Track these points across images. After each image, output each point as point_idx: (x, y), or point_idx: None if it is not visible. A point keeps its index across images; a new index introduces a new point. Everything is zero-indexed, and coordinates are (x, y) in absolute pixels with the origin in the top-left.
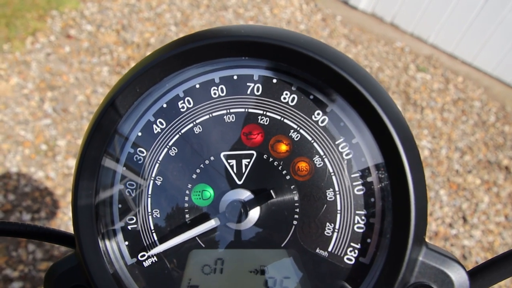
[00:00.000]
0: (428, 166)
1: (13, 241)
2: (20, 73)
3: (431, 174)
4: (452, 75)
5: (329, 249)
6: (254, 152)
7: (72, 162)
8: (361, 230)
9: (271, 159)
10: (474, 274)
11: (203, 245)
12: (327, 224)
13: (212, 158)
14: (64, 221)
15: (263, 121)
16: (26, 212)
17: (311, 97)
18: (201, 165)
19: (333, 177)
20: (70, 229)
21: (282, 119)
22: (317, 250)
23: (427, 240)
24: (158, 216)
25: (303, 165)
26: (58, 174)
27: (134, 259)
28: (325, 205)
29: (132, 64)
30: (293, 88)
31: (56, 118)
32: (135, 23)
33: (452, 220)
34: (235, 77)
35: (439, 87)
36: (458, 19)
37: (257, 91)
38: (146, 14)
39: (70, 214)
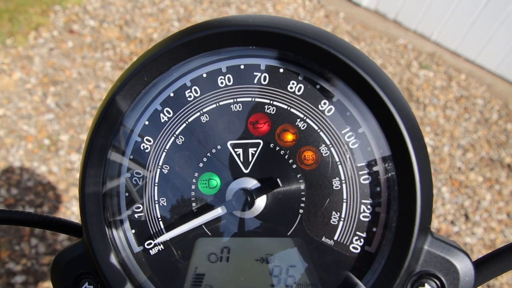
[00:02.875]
0: (430, 163)
1: (16, 235)
2: (23, 68)
3: (433, 171)
4: (455, 73)
5: (335, 238)
6: (261, 141)
7: (75, 157)
8: (367, 219)
9: (277, 148)
10: (479, 264)
11: (210, 234)
12: (333, 213)
13: (218, 147)
14: (67, 215)
15: (270, 110)
16: (29, 206)
17: (318, 86)
18: (208, 154)
19: (339, 166)
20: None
21: (288, 108)
22: (323, 239)
23: None
24: (165, 204)
25: (309, 154)
26: (60, 169)
27: (141, 247)
28: (331, 194)
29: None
30: (299, 78)
31: (59, 113)
32: (138, 18)
33: (454, 217)
34: (242, 67)
35: (442, 84)
36: (461, 16)
37: (264, 80)
38: (149, 10)
39: (73, 208)
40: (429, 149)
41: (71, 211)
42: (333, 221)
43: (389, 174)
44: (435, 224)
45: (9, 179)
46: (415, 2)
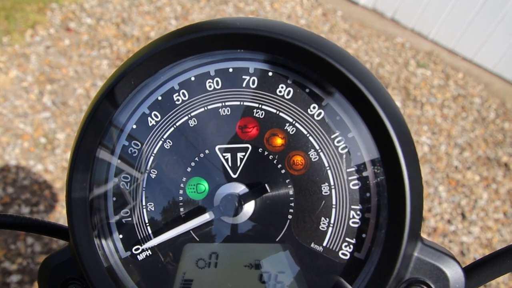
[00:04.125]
0: (427, 162)
1: (11, 234)
2: (20, 66)
3: (430, 170)
4: (453, 71)
5: (324, 244)
6: (249, 146)
7: None
8: (356, 225)
9: (266, 153)
10: (470, 270)
11: (198, 239)
12: (322, 218)
13: (207, 151)
14: (63, 215)
15: (259, 114)
16: (25, 205)
17: (307, 90)
18: (196, 158)
19: (329, 172)
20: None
21: (277, 112)
22: (312, 245)
23: (425, 236)
24: (153, 209)
25: (298, 159)
26: (57, 168)
27: (128, 253)
28: (320, 200)
29: None
30: (289, 81)
31: (55, 111)
32: (135, 16)
33: (450, 216)
34: (230, 70)
35: (439, 83)
36: (459, 15)
37: (253, 84)
38: (146, 8)
39: None
40: (426, 148)
41: None
42: (322, 227)
43: (379, 180)
44: (431, 223)
45: (5, 177)
46: (412, 1)
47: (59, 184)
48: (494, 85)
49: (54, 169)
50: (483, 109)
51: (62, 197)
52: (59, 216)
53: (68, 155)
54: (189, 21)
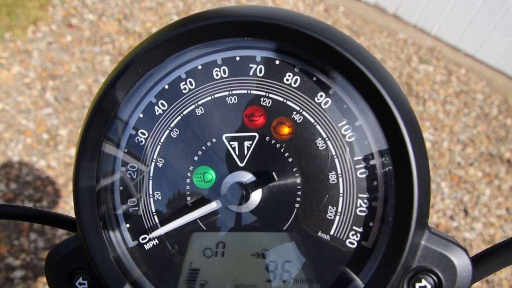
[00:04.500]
0: (429, 158)
1: (15, 230)
2: (22, 62)
3: (433, 166)
4: (455, 67)
5: (331, 233)
6: (256, 134)
7: (74, 151)
8: (363, 214)
9: (273, 141)
10: (477, 260)
11: (205, 228)
12: (329, 207)
13: (214, 140)
14: (66, 210)
15: (266, 103)
16: (28, 201)
17: (314, 78)
18: (203, 147)
19: (336, 160)
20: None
21: (284, 101)
22: (319, 234)
23: None
24: (160, 198)
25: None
26: (59, 163)
27: (135, 242)
28: (328, 188)
29: None
30: (296, 70)
31: (57, 107)
32: (137, 12)
33: (453, 212)
34: (237, 58)
35: (442, 79)
36: (461, 11)
37: (260, 72)
38: (148, 4)
39: (72, 203)
40: (428, 144)
41: (70, 205)
42: (329, 216)
43: (386, 168)
44: (434, 219)
45: (8, 173)
46: None
47: (62, 180)
48: (496, 81)
49: (57, 165)
50: (486, 105)
51: (65, 193)
52: (62, 211)
53: (70, 151)
54: None
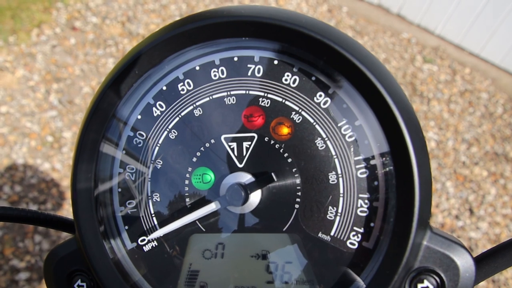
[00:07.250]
0: (434, 157)
1: (20, 232)
2: (26, 65)
3: (438, 165)
4: (459, 67)
5: (332, 233)
6: (255, 135)
7: None
8: (364, 214)
9: (272, 142)
10: (480, 260)
11: (204, 229)
12: (330, 207)
13: (212, 141)
14: (70, 212)
15: (264, 103)
16: (32, 203)
17: (313, 78)
18: (202, 148)
19: (336, 160)
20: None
21: (283, 101)
22: (320, 235)
23: None
24: (158, 200)
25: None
26: (64, 166)
27: (134, 244)
28: (328, 189)
29: None
30: (294, 70)
31: (62, 110)
32: (140, 14)
33: (458, 212)
34: (235, 59)
35: (446, 78)
36: (465, 9)
37: (258, 72)
38: (151, 6)
39: None
40: (433, 144)
41: None
42: (329, 216)
43: (387, 168)
44: (439, 218)
45: (13, 176)
46: None
47: (66, 182)
48: (501, 80)
49: (61, 167)
50: (491, 104)
51: (69, 195)
52: (67, 214)
53: None
54: None
